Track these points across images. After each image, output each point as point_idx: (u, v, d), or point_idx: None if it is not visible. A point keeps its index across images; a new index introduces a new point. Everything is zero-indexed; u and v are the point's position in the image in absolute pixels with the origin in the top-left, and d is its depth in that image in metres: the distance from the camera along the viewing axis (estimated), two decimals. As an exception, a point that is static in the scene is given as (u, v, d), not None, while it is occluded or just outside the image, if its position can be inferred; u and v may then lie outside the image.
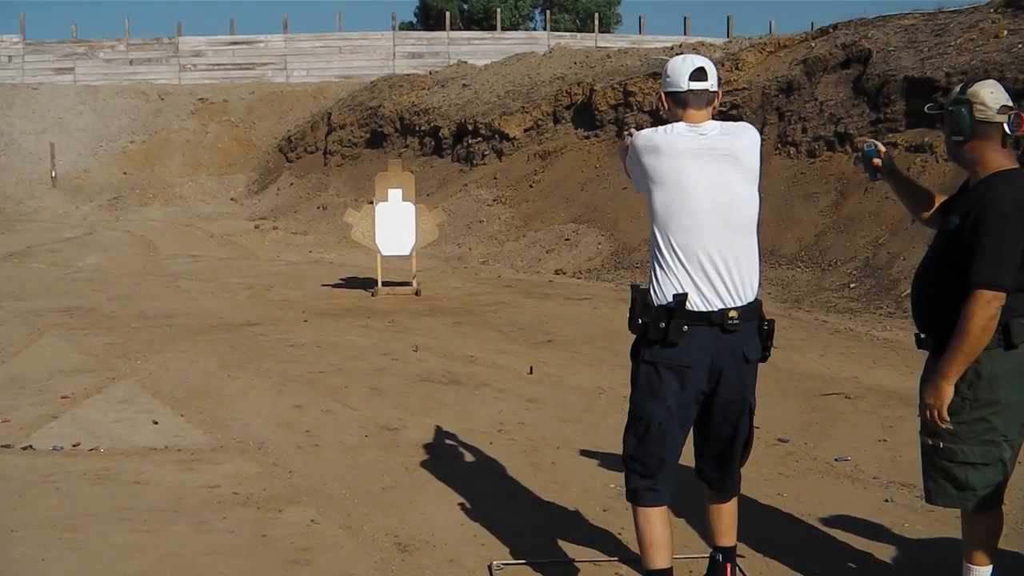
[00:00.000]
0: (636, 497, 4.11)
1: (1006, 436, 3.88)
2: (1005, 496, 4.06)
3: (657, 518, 4.07)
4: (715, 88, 4.09)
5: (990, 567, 4.06)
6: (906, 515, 5.55)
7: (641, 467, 4.08)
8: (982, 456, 3.88)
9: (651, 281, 4.04)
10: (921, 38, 16.81)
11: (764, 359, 4.17)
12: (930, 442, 3.97)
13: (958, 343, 3.76)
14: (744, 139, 4.07)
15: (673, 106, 4.08)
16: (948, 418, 3.84)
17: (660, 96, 4.16)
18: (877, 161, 4.41)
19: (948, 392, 3.82)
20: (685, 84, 4.03)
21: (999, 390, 3.83)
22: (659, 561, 4.05)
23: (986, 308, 3.71)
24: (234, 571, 4.87)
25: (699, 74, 4.04)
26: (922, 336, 4.06)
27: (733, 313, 3.95)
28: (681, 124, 4.02)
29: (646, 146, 4.01)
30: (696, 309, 3.94)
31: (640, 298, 4.04)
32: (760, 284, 4.13)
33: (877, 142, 4.48)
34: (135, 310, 12.70)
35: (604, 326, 11.37)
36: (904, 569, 4.89)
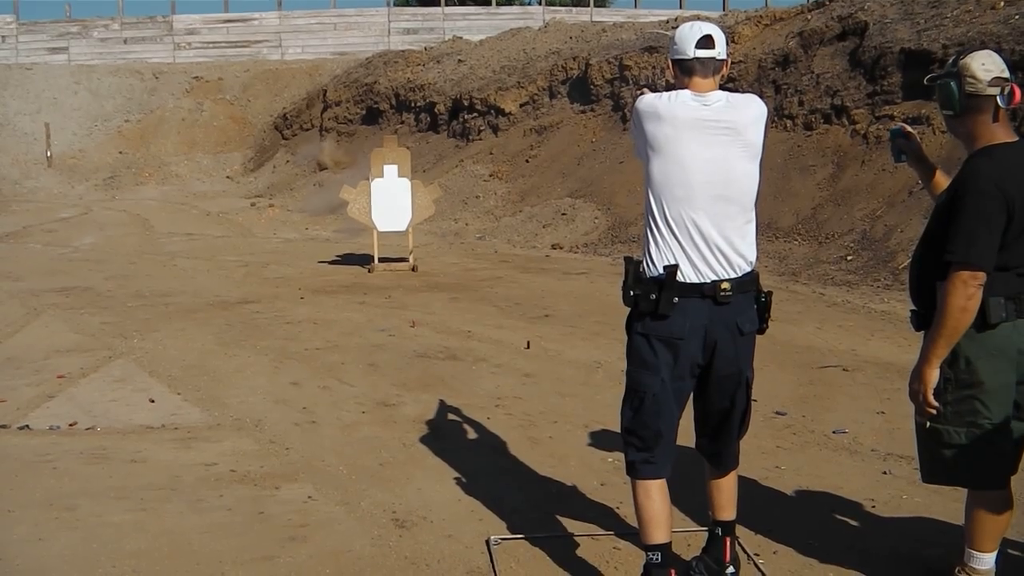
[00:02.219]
0: (634, 470, 4.11)
1: (991, 419, 3.81)
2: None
3: (655, 491, 4.06)
4: (723, 56, 4.04)
5: (992, 554, 3.98)
6: (904, 487, 5.55)
7: (638, 440, 4.07)
8: (967, 437, 3.82)
9: (644, 252, 4.03)
10: (917, 10, 16.73)
11: (761, 331, 4.16)
12: (920, 421, 3.94)
13: (937, 325, 3.70)
14: (748, 112, 4.03)
15: (680, 74, 4.04)
16: (934, 401, 3.79)
17: (668, 64, 4.12)
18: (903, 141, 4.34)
19: (931, 376, 3.76)
20: (691, 52, 3.99)
21: (978, 372, 3.76)
22: (658, 536, 4.05)
23: (962, 288, 3.63)
24: (231, 548, 4.87)
25: (706, 42, 3.99)
26: (913, 312, 4.02)
27: (726, 285, 3.93)
28: (686, 92, 3.98)
29: (648, 112, 3.98)
30: (688, 281, 3.92)
31: (632, 270, 4.03)
32: (758, 257, 4.11)
33: (905, 125, 4.42)
34: (131, 289, 12.68)
35: (601, 300, 11.36)
36: (903, 541, 4.88)
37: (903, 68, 15.45)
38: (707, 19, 22.69)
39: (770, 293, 4.16)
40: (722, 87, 4.07)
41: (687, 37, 4.02)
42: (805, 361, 8.48)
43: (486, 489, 5.62)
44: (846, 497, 5.46)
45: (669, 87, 4.08)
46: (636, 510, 4.13)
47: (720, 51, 4.02)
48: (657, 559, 4.05)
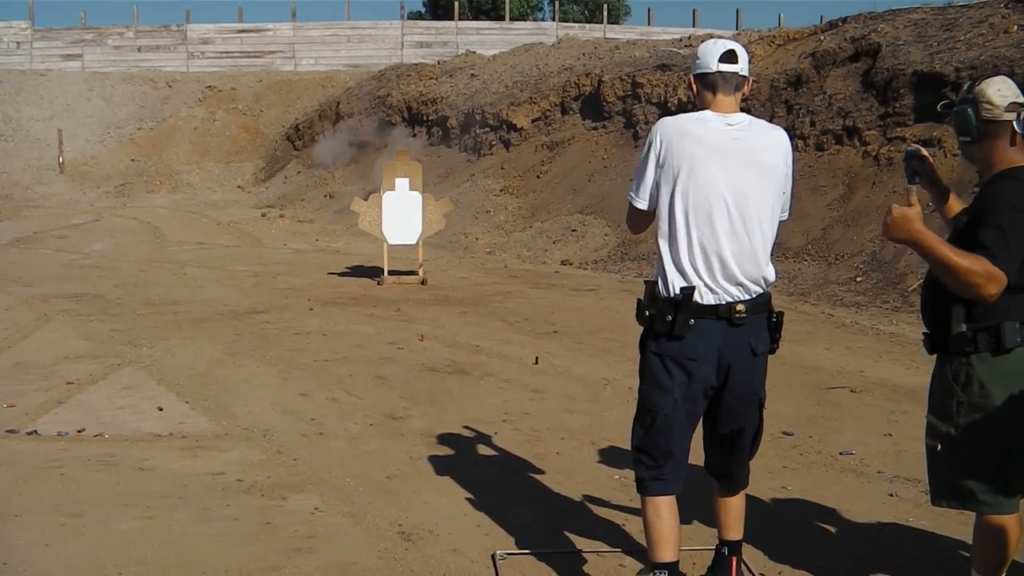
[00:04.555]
0: (643, 487, 4.10)
1: (1003, 443, 3.80)
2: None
3: (665, 509, 4.05)
4: (745, 73, 4.05)
5: None
6: (911, 510, 5.54)
7: (648, 458, 4.07)
8: (977, 461, 3.82)
9: (659, 273, 4.02)
10: (931, 32, 16.75)
11: (773, 351, 4.16)
12: (930, 444, 3.93)
13: (952, 252, 3.61)
14: (769, 138, 4.03)
15: (702, 89, 4.04)
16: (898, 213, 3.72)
17: (690, 79, 4.12)
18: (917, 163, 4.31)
19: (918, 229, 3.65)
20: (715, 66, 3.98)
21: (992, 395, 3.74)
22: (665, 554, 4.03)
23: (987, 270, 3.54)
24: (237, 558, 4.87)
25: (729, 56, 3.99)
26: (925, 335, 4.00)
27: (741, 307, 3.93)
28: (709, 112, 3.98)
29: (674, 133, 3.95)
30: (703, 302, 3.92)
31: (648, 290, 4.04)
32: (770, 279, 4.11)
33: (920, 147, 4.40)
34: (141, 297, 12.71)
35: (610, 317, 11.36)
36: (908, 564, 4.88)
37: (915, 90, 15.47)
38: (721, 37, 22.72)
39: (781, 313, 4.16)
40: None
41: (710, 52, 4.02)
42: (813, 382, 8.47)
43: (492, 504, 5.62)
44: (852, 519, 5.45)
45: (681, 107, 4.08)
46: (645, 527, 4.12)
47: (743, 67, 4.03)
48: None
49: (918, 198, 3.79)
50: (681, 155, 3.92)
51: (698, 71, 4.04)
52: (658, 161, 3.98)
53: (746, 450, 4.23)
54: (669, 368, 3.99)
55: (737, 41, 4.63)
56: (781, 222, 4.13)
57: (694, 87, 4.08)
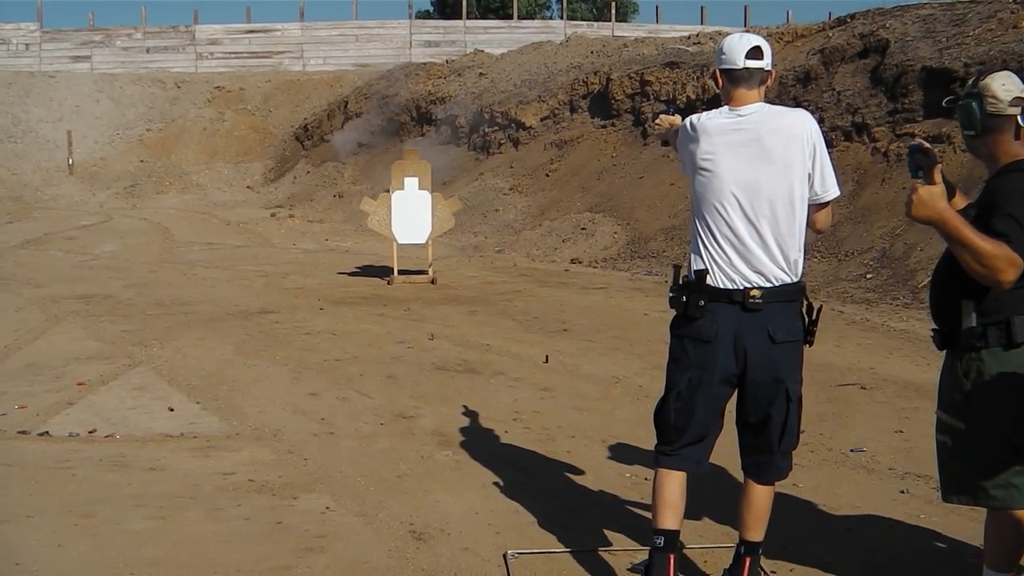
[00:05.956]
0: (655, 457, 4.26)
1: (1014, 438, 3.80)
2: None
3: (669, 481, 4.19)
4: (769, 67, 4.14)
5: (1010, 575, 3.96)
6: (921, 506, 5.53)
7: (659, 431, 4.25)
8: (988, 455, 3.81)
9: (688, 259, 4.20)
10: (939, 28, 16.73)
11: (809, 343, 4.28)
12: (941, 440, 3.93)
13: (976, 235, 3.55)
14: (778, 123, 4.08)
15: (727, 83, 4.14)
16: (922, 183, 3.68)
17: (714, 72, 4.21)
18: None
19: (944, 208, 3.61)
20: (742, 62, 4.08)
21: (1002, 390, 3.76)
22: (664, 521, 4.16)
23: (1009, 255, 3.51)
24: (249, 558, 4.88)
25: (755, 52, 4.09)
26: (935, 331, 3.98)
27: (755, 292, 4.02)
28: (724, 108, 4.12)
29: (687, 133, 4.14)
30: (718, 286, 4.04)
31: (674, 273, 4.21)
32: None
33: (923, 142, 4.39)
34: (151, 297, 12.73)
35: (619, 315, 11.36)
36: (919, 560, 4.87)
37: (924, 86, 15.45)
38: (728, 35, 22.71)
39: (820, 307, 4.26)
40: None
41: (737, 47, 4.11)
42: (824, 379, 8.44)
43: (503, 502, 5.63)
44: (863, 515, 5.44)
45: (690, 104, 4.14)
46: (652, 495, 4.26)
47: (767, 62, 4.12)
48: (660, 543, 4.17)
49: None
50: (694, 153, 4.10)
51: (724, 66, 4.15)
52: (684, 154, 4.20)
53: (775, 439, 4.23)
54: (687, 348, 4.13)
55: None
56: (827, 202, 4.22)
57: (720, 81, 4.18)
